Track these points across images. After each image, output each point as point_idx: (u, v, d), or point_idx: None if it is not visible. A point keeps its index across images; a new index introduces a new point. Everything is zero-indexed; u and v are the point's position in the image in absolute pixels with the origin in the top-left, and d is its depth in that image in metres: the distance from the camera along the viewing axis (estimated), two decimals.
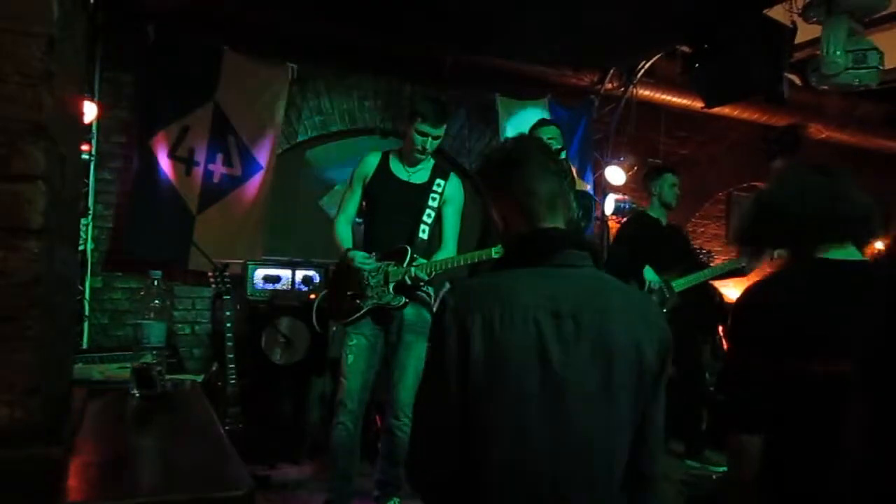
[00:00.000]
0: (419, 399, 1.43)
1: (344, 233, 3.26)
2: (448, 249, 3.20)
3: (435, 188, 3.22)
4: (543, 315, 1.28)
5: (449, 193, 3.25)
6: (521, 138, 1.58)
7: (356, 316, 3.16)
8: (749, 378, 1.62)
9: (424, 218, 3.19)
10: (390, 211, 3.21)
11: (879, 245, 1.64)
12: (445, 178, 3.26)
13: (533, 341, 1.27)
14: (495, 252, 2.91)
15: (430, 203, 3.21)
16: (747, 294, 1.73)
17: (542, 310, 1.28)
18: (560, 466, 1.27)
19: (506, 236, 1.48)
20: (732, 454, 1.67)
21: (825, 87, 4.33)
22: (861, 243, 1.69)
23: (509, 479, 1.26)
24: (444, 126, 3.20)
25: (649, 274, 4.43)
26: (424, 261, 3.09)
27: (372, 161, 3.28)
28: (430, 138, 3.15)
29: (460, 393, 1.28)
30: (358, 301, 3.16)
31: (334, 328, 3.33)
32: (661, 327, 1.38)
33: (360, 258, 3.14)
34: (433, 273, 3.08)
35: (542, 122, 3.82)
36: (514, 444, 1.26)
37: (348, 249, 3.18)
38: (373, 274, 3.15)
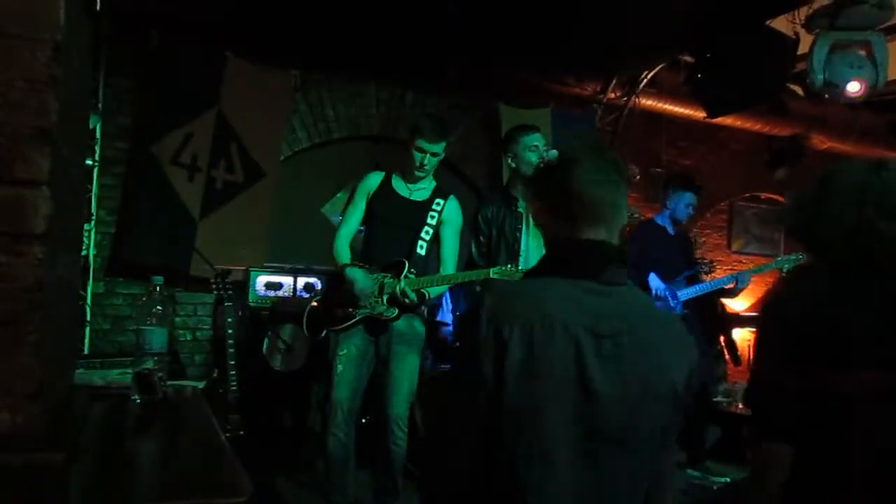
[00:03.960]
0: (441, 410, 1.35)
1: (342, 247, 3.28)
2: (447, 270, 3.25)
3: (434, 206, 3.27)
4: (583, 333, 1.22)
5: (447, 215, 3.28)
6: (576, 141, 1.47)
7: (348, 324, 3.18)
8: (776, 390, 1.58)
9: (423, 234, 3.24)
10: (390, 226, 3.26)
11: None
12: (445, 198, 3.30)
13: (571, 358, 1.21)
14: (493, 273, 2.93)
15: (429, 220, 3.26)
16: (772, 303, 1.70)
17: (582, 327, 1.22)
18: (592, 489, 1.22)
19: (550, 240, 1.41)
20: (759, 461, 1.64)
21: (827, 97, 4.35)
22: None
23: (536, 501, 1.19)
24: (443, 143, 3.22)
25: (654, 281, 4.42)
26: (414, 276, 3.11)
27: (375, 178, 3.33)
28: (427, 154, 3.17)
29: (489, 405, 1.20)
30: (350, 309, 3.17)
31: (322, 334, 3.32)
32: (691, 351, 1.36)
33: (361, 283, 3.12)
34: (422, 288, 3.09)
35: (525, 129, 3.40)
36: (544, 463, 1.20)
37: (345, 265, 3.20)
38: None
